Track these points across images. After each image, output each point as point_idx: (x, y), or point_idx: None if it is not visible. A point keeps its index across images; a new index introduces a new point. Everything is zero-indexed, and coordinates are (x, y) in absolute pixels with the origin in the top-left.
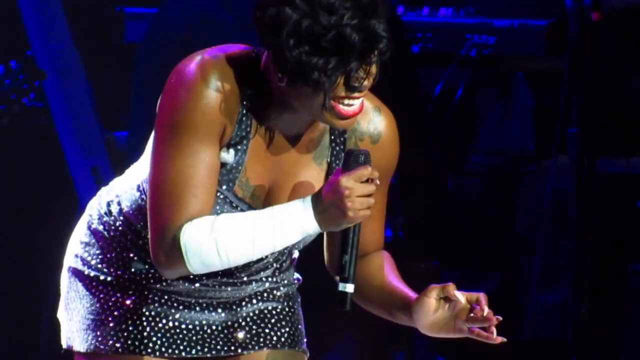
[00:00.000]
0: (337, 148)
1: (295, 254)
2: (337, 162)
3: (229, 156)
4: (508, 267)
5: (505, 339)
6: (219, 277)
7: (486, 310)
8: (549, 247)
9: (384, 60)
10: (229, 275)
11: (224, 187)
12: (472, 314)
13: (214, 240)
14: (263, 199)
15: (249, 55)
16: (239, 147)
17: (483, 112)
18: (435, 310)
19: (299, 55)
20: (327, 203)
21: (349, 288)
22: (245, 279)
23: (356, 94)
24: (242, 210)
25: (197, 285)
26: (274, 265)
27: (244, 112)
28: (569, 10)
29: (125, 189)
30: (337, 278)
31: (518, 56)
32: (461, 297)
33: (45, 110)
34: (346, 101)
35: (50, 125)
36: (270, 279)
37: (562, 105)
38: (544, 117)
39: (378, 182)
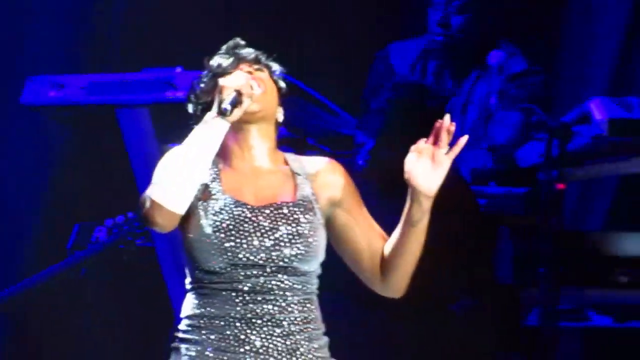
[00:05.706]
0: (298, 175)
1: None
2: (299, 173)
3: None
4: None
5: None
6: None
7: (447, 122)
8: None
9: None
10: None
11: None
12: (439, 139)
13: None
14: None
15: None
16: (213, 176)
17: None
18: (419, 162)
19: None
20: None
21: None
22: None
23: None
24: (241, 206)
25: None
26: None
27: (215, 164)
28: (540, 181)
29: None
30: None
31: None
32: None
33: (152, 249)
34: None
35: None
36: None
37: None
38: (522, 259)
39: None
